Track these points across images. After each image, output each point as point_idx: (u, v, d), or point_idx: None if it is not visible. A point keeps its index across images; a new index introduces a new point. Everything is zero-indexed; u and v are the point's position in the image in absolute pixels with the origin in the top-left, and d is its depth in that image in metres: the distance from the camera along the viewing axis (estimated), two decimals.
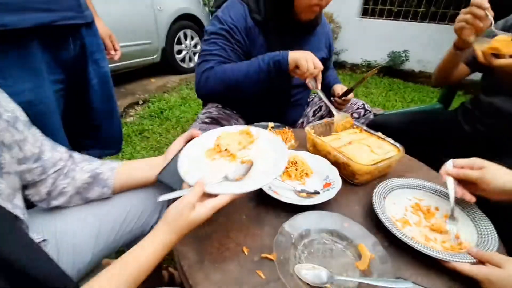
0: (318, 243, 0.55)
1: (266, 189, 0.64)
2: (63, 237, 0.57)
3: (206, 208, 0.45)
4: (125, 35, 2.66)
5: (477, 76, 1.06)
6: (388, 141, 0.78)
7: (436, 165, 0.79)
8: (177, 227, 0.45)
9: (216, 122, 1.00)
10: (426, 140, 1.04)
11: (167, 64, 3.29)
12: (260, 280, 0.49)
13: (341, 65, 4.23)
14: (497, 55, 0.75)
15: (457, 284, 0.49)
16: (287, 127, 0.94)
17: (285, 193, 0.67)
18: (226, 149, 0.59)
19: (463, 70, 1.04)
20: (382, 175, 0.74)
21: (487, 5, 0.76)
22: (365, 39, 3.99)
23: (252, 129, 0.64)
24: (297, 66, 0.89)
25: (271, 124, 0.96)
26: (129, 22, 2.71)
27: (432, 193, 0.68)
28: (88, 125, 1.12)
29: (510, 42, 0.73)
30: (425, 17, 3.68)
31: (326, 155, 0.77)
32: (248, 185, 0.49)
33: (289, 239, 0.54)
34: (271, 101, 1.10)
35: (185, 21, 3.31)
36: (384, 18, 3.94)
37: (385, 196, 0.65)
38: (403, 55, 3.71)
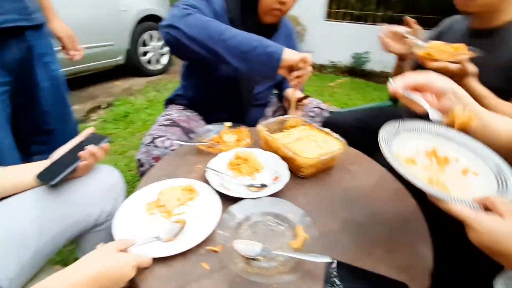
0: (262, 225, 0.60)
1: (216, 186, 0.67)
2: None
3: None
4: (87, 37, 2.55)
5: None
6: (334, 136, 0.84)
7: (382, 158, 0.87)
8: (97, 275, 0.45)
9: (175, 124, 1.01)
10: (373, 135, 1.12)
11: (132, 66, 3.21)
12: (204, 272, 0.51)
13: None
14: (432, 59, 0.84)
15: (381, 266, 0.55)
16: (242, 126, 0.97)
17: (236, 189, 0.69)
18: (164, 205, 0.63)
19: None
20: (326, 168, 0.80)
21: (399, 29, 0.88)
22: (330, 41, 4.17)
23: (196, 185, 0.68)
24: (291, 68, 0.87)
25: (227, 123, 0.99)
26: (90, 23, 2.60)
27: (459, 145, 0.55)
28: (40, 129, 1.08)
29: (441, 48, 0.83)
30: (383, 21, 3.92)
31: (276, 151, 0.81)
32: (172, 249, 0.52)
33: (234, 219, 0.59)
34: (233, 101, 1.12)
35: (151, 22, 3.25)
36: (347, 21, 4.14)
37: (395, 134, 0.56)
38: (365, 56, 3.92)
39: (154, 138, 0.90)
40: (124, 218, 0.59)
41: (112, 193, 0.71)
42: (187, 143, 0.87)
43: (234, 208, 0.60)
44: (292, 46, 1.22)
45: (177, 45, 0.84)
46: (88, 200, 0.67)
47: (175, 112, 1.09)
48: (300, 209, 0.61)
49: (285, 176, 0.71)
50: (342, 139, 0.82)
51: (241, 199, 0.63)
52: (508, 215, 0.38)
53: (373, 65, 4.02)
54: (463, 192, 0.46)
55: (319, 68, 4.33)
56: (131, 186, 1.36)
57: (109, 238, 0.55)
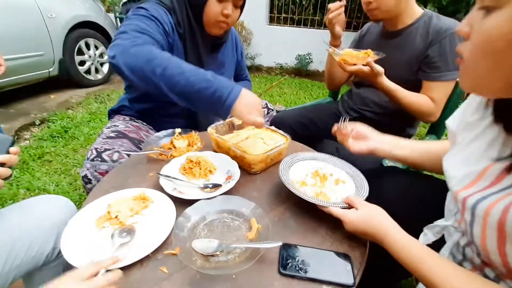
0: (218, 222, 0.63)
1: (170, 191, 0.68)
2: None
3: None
4: (10, 47, 2.29)
5: None
6: (279, 132, 0.91)
7: (324, 150, 0.96)
8: None
9: (122, 135, 0.98)
10: (316, 129, 1.24)
11: (68, 77, 2.94)
12: (164, 275, 0.52)
13: (257, 69, 4.51)
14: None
15: (326, 241, 0.62)
16: (193, 131, 0.98)
17: (191, 192, 0.71)
18: (116, 217, 0.61)
19: (343, 74, 1.27)
20: (275, 162, 0.86)
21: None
22: (275, 44, 4.36)
23: (148, 193, 0.68)
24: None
25: (177, 130, 0.99)
26: (14, 32, 2.34)
27: (331, 164, 0.80)
28: None
29: (352, 54, 0.97)
30: (320, 24, 4.24)
31: (227, 152, 0.84)
32: (129, 259, 0.52)
33: (190, 220, 0.61)
34: (186, 112, 1.09)
35: (86, 29, 3.03)
36: (288, 25, 4.37)
37: (290, 166, 0.77)
38: (308, 57, 4.19)
39: (101, 152, 0.86)
40: (72, 238, 0.56)
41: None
42: (136, 153, 0.85)
43: (189, 210, 0.62)
44: (240, 52, 1.26)
45: (120, 75, 0.78)
46: (38, 238, 0.62)
47: (122, 123, 1.05)
48: (252, 203, 0.65)
49: (237, 174, 0.75)
50: (287, 134, 0.89)
51: (196, 200, 0.65)
52: (360, 207, 0.59)
53: (316, 66, 4.31)
54: (338, 197, 0.67)
55: (267, 70, 4.49)
56: (79, 206, 1.26)
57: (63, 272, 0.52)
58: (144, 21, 0.84)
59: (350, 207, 0.61)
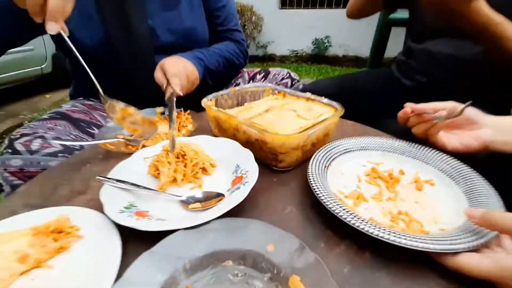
0: (215, 282, 0.27)
1: (116, 216, 0.33)
2: None
3: None
4: None
5: None
6: (320, 101, 0.54)
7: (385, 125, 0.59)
8: None
9: (61, 116, 0.64)
10: (368, 100, 0.86)
11: (64, 74, 2.69)
12: None
13: (270, 58, 4.14)
14: None
15: None
16: (182, 109, 0.64)
17: (163, 211, 0.36)
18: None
19: (377, 3, 0.87)
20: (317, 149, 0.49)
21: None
22: (289, 30, 3.97)
23: (76, 218, 0.34)
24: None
25: (159, 109, 0.65)
26: None
27: (393, 152, 0.48)
28: None
29: None
30: (339, 3, 3.80)
31: (234, 134, 0.49)
32: None
33: (151, 282, 0.25)
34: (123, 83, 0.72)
35: None
36: (302, 7, 3.97)
37: (327, 165, 0.43)
38: (326, 41, 3.77)
39: (14, 140, 0.52)
40: None
41: None
42: (77, 143, 0.52)
43: (151, 257, 0.27)
44: None
45: None
46: None
47: (71, 103, 0.73)
48: (291, 235, 0.29)
49: (253, 173, 0.39)
50: (335, 103, 0.52)
51: (172, 232, 0.30)
52: None
53: (335, 50, 3.89)
54: (434, 216, 0.35)
55: (280, 59, 4.11)
56: None
57: None
58: None
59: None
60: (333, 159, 0.45)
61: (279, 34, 4.00)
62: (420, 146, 0.47)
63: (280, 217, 0.36)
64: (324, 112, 0.51)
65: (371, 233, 0.29)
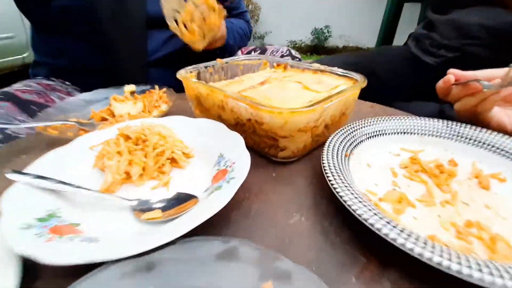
0: None
1: (20, 242, 0.20)
2: None
3: None
4: None
5: None
6: (333, 72, 0.41)
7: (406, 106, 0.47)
8: None
9: (5, 97, 0.50)
10: (380, 82, 0.73)
11: None
12: None
13: None
14: None
15: None
16: (157, 87, 0.51)
17: (102, 226, 0.24)
18: None
19: None
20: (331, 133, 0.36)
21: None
22: (287, 19, 3.81)
23: None
24: None
25: (129, 87, 0.52)
26: None
27: (436, 136, 0.35)
28: None
29: None
30: None
31: (220, 115, 0.36)
32: None
33: None
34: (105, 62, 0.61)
35: None
36: None
37: (347, 154, 0.31)
38: (326, 31, 3.62)
39: None
40: None
41: None
42: (10, 125, 0.39)
43: None
44: None
45: None
46: None
47: (27, 82, 0.60)
48: (301, 267, 0.17)
49: (241, 165, 0.26)
50: (353, 73, 0.39)
51: (115, 261, 0.17)
52: None
53: (335, 41, 3.74)
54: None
55: None
56: None
57: None
58: None
59: None
60: (354, 146, 0.32)
61: (277, 24, 3.84)
62: (473, 126, 0.34)
63: (282, 232, 0.24)
64: (339, 84, 0.38)
65: (448, 267, 0.17)
